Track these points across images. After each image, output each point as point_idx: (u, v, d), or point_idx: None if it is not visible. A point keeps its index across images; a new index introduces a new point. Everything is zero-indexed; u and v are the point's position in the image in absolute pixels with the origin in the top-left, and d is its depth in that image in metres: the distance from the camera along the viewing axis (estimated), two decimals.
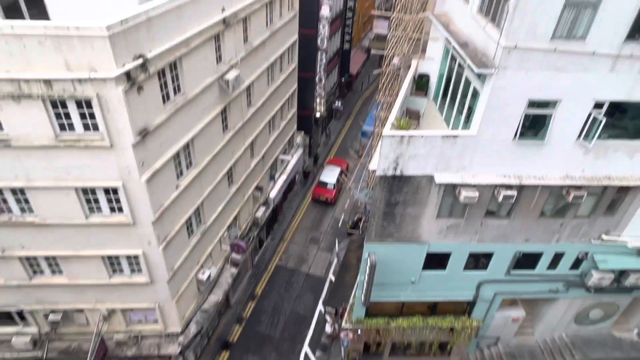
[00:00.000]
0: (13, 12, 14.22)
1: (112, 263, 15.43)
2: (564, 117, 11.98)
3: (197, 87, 14.79)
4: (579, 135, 12.38)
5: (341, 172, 31.37)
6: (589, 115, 11.97)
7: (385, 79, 17.34)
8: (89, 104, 11.45)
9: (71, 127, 11.88)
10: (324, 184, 30.96)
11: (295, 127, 28.23)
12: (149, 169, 13.22)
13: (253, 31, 18.35)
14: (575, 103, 11.75)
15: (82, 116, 11.72)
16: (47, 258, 14.99)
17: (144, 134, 12.49)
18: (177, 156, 14.78)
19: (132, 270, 15.66)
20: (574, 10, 10.31)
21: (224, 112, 17.38)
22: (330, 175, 31.36)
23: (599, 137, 12.20)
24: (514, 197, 13.24)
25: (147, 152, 12.99)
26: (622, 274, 16.36)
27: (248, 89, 19.23)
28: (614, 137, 12.75)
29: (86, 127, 11.91)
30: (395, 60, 16.76)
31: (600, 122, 11.81)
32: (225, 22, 15.54)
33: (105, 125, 11.74)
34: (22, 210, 13.50)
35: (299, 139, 29.45)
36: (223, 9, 15.30)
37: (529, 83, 11.28)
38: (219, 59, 15.95)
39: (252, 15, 17.82)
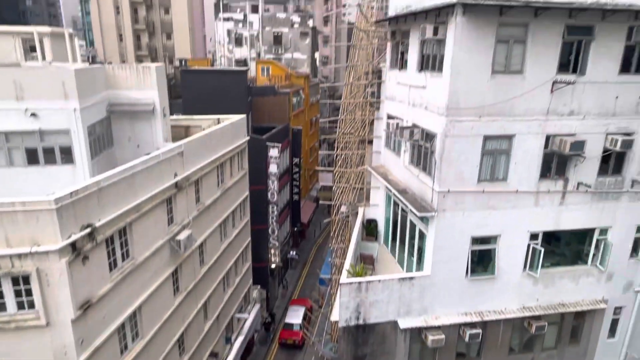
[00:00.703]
0: None
1: None
2: (507, 250, 12.68)
3: (147, 251, 14.45)
4: (525, 266, 12.97)
5: (306, 312, 29.71)
6: (529, 246, 12.78)
7: (336, 227, 18.02)
8: (26, 280, 10.69)
9: (2, 307, 10.82)
10: (290, 326, 29.00)
11: (250, 281, 27.44)
12: (88, 347, 11.86)
13: (205, 192, 19.04)
14: (513, 236, 12.59)
15: (17, 293, 10.82)
16: None
17: (85, 307, 11.54)
18: (122, 328, 13.53)
19: None
20: (491, 157, 11.85)
21: (175, 273, 16.77)
22: (295, 315, 29.57)
23: (543, 266, 12.86)
24: (480, 335, 12.97)
25: (88, 328, 11.83)
26: None
27: (200, 246, 19.04)
28: (556, 265, 13.48)
29: (20, 306, 10.88)
30: (343, 209, 17.73)
31: (540, 251, 12.60)
32: (177, 185, 16.13)
33: (42, 302, 10.81)
34: None
35: (255, 293, 28.37)
36: (175, 174, 16.02)
37: (468, 222, 12.13)
38: (170, 220, 16.06)
39: (203, 177, 18.73)
